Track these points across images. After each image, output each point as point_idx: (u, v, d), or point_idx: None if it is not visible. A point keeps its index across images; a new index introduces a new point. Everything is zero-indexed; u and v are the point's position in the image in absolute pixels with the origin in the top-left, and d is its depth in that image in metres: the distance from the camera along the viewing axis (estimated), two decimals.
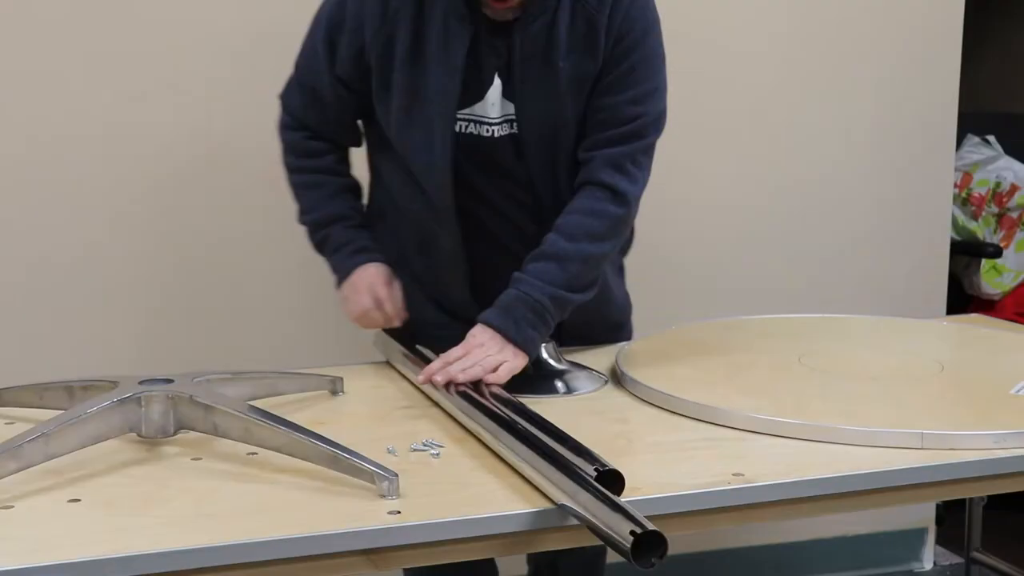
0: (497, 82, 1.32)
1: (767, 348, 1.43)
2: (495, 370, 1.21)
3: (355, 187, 1.48)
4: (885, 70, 2.22)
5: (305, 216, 1.45)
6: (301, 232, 1.47)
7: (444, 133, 1.32)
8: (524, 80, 1.31)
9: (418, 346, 1.35)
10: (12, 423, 1.15)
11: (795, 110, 2.19)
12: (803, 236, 2.22)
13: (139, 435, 1.09)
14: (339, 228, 1.42)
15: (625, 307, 1.55)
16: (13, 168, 1.78)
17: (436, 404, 1.23)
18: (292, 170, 1.46)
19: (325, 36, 1.37)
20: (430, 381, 1.22)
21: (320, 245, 1.44)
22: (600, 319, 1.47)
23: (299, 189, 1.45)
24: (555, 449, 0.98)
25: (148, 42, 1.81)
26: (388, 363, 1.42)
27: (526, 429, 1.04)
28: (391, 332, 1.43)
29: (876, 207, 2.28)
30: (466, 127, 1.33)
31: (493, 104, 1.33)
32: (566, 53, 1.30)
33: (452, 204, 1.35)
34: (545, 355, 1.31)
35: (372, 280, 1.39)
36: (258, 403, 1.14)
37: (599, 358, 1.39)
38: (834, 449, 1.06)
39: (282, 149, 1.47)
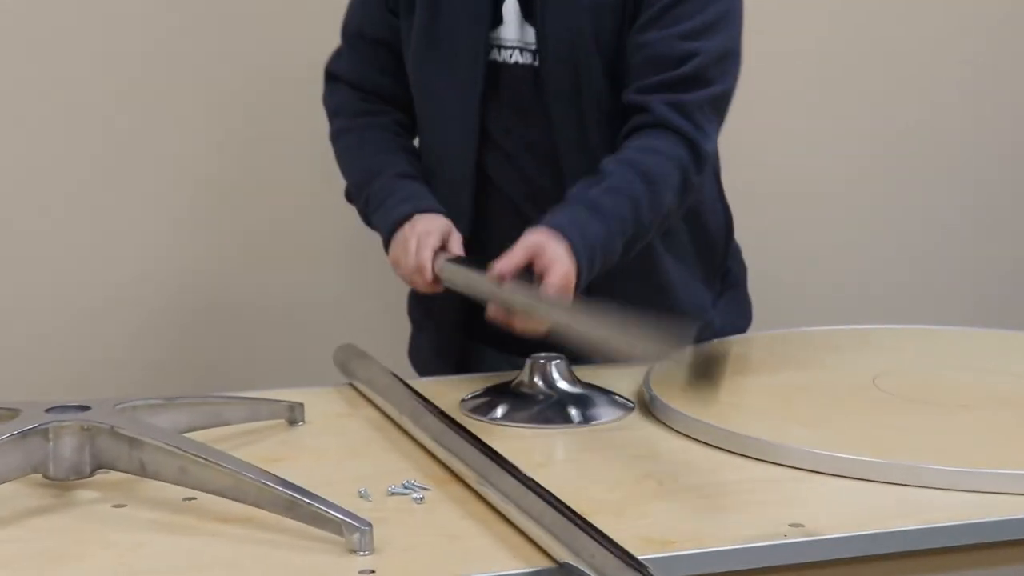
0: (513, 2, 1.32)
1: (833, 367, 1.36)
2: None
3: (415, 152, 1.42)
4: (972, 63, 2.23)
5: (347, 180, 1.40)
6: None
7: (473, 60, 1.31)
8: (547, 2, 1.29)
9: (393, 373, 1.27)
10: None
11: (885, 102, 2.18)
12: (892, 230, 2.21)
13: (46, 476, 1.00)
14: (384, 179, 1.35)
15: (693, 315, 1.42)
16: None
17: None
18: (340, 134, 1.43)
19: None
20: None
21: (364, 204, 1.37)
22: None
23: (344, 153, 1.42)
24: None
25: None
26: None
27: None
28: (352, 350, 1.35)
29: (972, 194, 2.25)
30: (488, 53, 1.32)
31: (511, 26, 1.32)
32: None
33: (473, 149, 1.32)
34: (555, 375, 1.21)
35: (422, 229, 1.27)
36: (198, 435, 1.06)
37: (623, 379, 1.30)
38: (917, 495, 0.98)
39: (331, 122, 1.45)
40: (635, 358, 1.18)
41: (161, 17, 1.85)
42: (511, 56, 1.32)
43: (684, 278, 1.40)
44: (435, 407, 1.12)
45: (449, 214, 1.32)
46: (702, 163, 1.28)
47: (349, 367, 1.32)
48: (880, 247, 2.23)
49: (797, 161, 2.14)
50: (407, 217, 1.29)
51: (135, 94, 1.84)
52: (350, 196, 1.40)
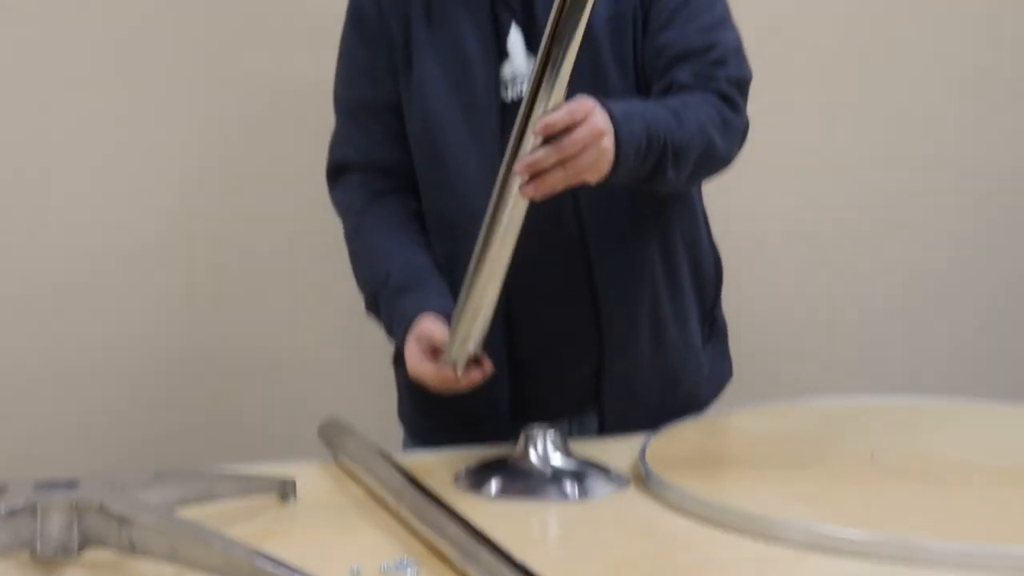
0: (517, 34, 1.31)
1: (833, 441, 1.33)
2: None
3: (428, 244, 1.37)
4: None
5: (361, 281, 1.37)
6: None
7: (487, 99, 1.31)
8: None
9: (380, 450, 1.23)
10: None
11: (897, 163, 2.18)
12: (891, 293, 2.20)
13: (33, 554, 0.98)
14: (398, 277, 1.31)
15: (690, 353, 1.41)
16: None
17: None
18: (353, 235, 1.39)
19: (356, 32, 1.39)
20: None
21: (378, 306, 1.33)
22: (651, 369, 1.36)
23: (358, 256, 1.38)
24: None
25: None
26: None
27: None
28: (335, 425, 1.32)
29: (974, 259, 2.23)
30: (499, 91, 1.31)
31: (518, 59, 1.31)
32: None
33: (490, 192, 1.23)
34: (549, 448, 1.19)
35: (419, 334, 1.24)
36: (188, 512, 1.05)
37: (619, 452, 1.28)
38: (921, 573, 0.95)
39: (344, 222, 1.40)
40: None
41: (141, 72, 1.86)
42: (521, 91, 1.29)
43: (681, 314, 1.39)
44: (420, 485, 1.09)
45: (457, 260, 1.29)
46: (740, 113, 1.28)
47: (335, 442, 1.30)
48: (863, 309, 2.21)
49: (784, 225, 2.14)
50: (403, 339, 1.26)
51: (111, 174, 1.86)
52: (369, 309, 1.37)
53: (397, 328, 1.29)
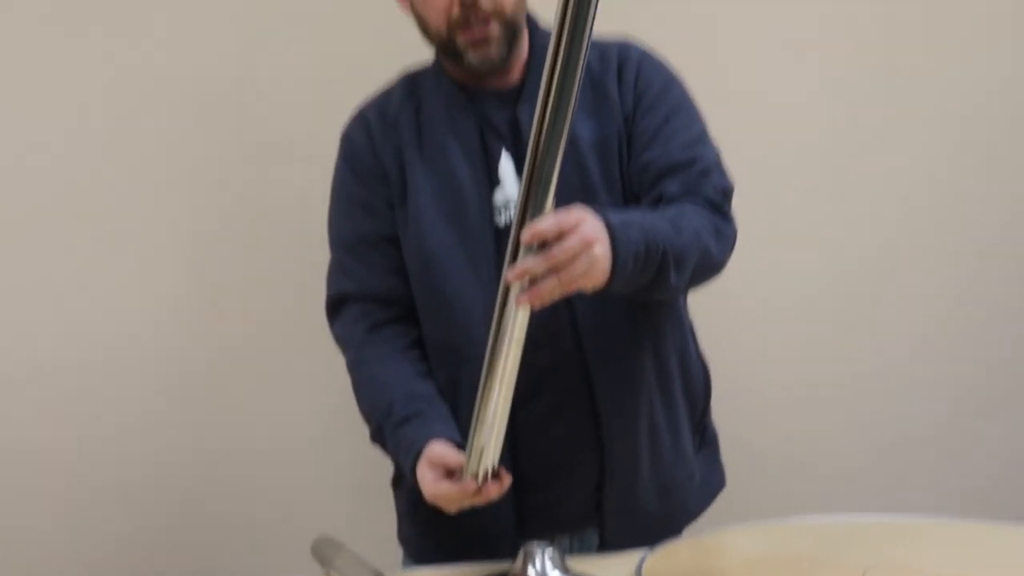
0: (508, 162, 1.34)
1: (824, 559, 1.30)
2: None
3: (428, 374, 1.37)
4: (974, 239, 2.27)
5: (366, 413, 1.36)
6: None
7: (481, 226, 1.33)
8: None
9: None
10: None
11: (880, 289, 2.24)
12: (888, 417, 2.23)
13: None
14: (401, 408, 1.30)
15: (682, 461, 1.41)
16: None
17: None
18: (353, 367, 1.39)
19: (351, 174, 1.41)
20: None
21: (384, 437, 1.33)
22: (643, 476, 1.36)
23: (361, 388, 1.37)
24: None
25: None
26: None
27: None
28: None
29: (969, 395, 2.26)
30: (492, 216, 1.34)
31: (509, 185, 1.34)
32: (582, 118, 1.33)
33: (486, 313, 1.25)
34: (547, 564, 1.19)
35: (432, 458, 1.23)
36: None
37: (616, 569, 1.26)
38: None
39: (344, 355, 1.41)
40: None
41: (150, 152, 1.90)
42: (510, 216, 1.31)
43: (674, 423, 1.40)
44: None
45: (463, 378, 1.30)
46: (729, 222, 1.30)
47: (327, 559, 1.29)
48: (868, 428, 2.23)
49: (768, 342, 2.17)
50: (414, 468, 1.25)
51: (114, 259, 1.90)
52: (372, 434, 1.37)
53: (405, 458, 1.27)
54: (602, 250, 1.10)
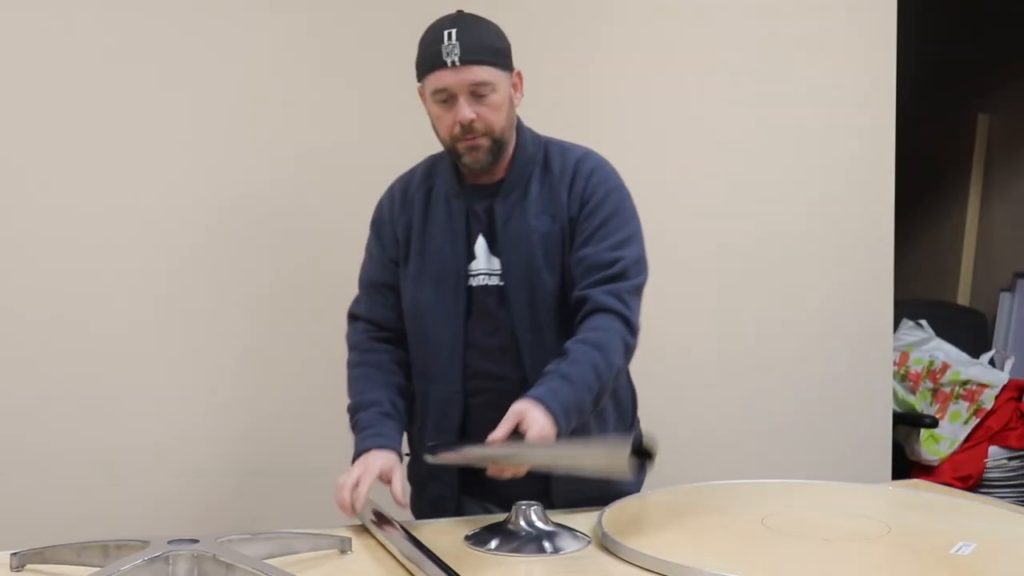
0: (482, 241, 1.63)
1: (735, 511, 1.60)
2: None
3: (402, 386, 1.70)
4: (830, 270, 2.64)
5: (349, 402, 1.67)
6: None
7: (456, 287, 1.63)
8: (506, 238, 1.62)
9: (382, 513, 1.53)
10: None
11: (756, 307, 2.57)
12: (772, 409, 2.55)
13: None
14: (369, 413, 1.62)
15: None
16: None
17: (442, 557, 1.35)
18: (352, 365, 1.71)
19: (375, 235, 1.75)
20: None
21: (352, 427, 1.64)
22: (586, 479, 1.59)
23: (352, 381, 1.69)
24: None
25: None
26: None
27: None
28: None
29: (829, 385, 2.62)
30: (467, 282, 1.65)
31: (481, 259, 1.64)
32: (538, 214, 1.62)
33: (460, 349, 1.61)
34: (533, 517, 1.48)
35: (368, 465, 1.55)
36: (274, 561, 1.29)
37: (583, 520, 1.56)
38: None
39: (348, 354, 1.72)
40: (599, 470, 1.41)
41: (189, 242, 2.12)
42: (482, 280, 1.64)
43: (605, 433, 1.67)
44: (425, 548, 1.36)
45: (445, 401, 1.63)
46: (635, 332, 1.60)
47: (367, 518, 1.56)
48: (764, 420, 2.57)
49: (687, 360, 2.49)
50: (365, 451, 1.57)
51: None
52: (348, 408, 1.68)
53: (361, 442, 1.59)
54: (549, 433, 1.42)
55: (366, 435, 1.60)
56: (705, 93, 2.52)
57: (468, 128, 1.57)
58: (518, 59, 1.64)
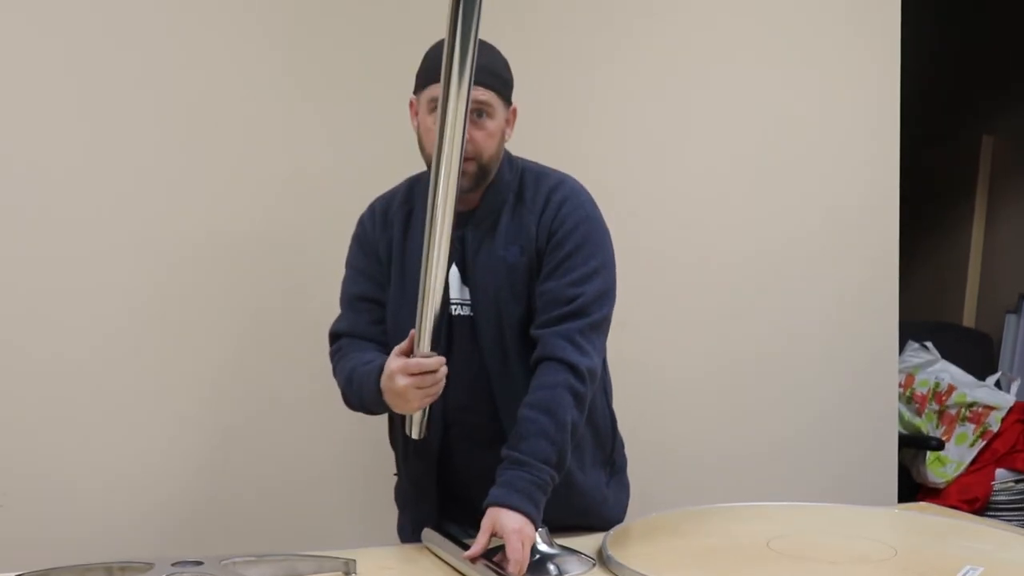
0: (455, 271, 1.61)
1: (739, 533, 1.60)
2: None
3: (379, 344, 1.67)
4: (835, 291, 2.63)
5: (342, 386, 1.64)
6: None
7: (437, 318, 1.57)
8: (476, 268, 1.61)
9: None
10: None
11: (761, 327, 2.57)
12: (776, 431, 2.56)
13: None
14: (363, 368, 1.58)
15: (594, 493, 1.69)
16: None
17: None
18: (335, 364, 1.68)
19: (359, 248, 1.72)
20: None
21: (359, 389, 1.59)
22: (566, 505, 1.61)
23: (338, 373, 1.65)
24: None
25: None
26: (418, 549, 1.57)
27: None
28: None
29: (834, 406, 2.62)
30: (448, 307, 1.62)
31: (454, 289, 1.62)
32: (505, 244, 1.60)
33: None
34: (539, 540, 1.47)
35: (391, 369, 1.51)
36: None
37: (588, 543, 1.56)
38: None
39: (333, 368, 1.68)
40: None
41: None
42: (455, 310, 1.62)
43: (582, 464, 1.66)
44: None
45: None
46: (584, 377, 1.54)
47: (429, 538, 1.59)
48: (769, 441, 2.56)
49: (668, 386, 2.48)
50: (376, 380, 1.53)
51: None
52: (347, 399, 1.64)
53: (370, 376, 1.55)
54: (526, 532, 1.42)
55: (370, 369, 1.56)
56: (709, 113, 2.52)
57: None
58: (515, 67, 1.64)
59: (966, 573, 1.40)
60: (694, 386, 2.50)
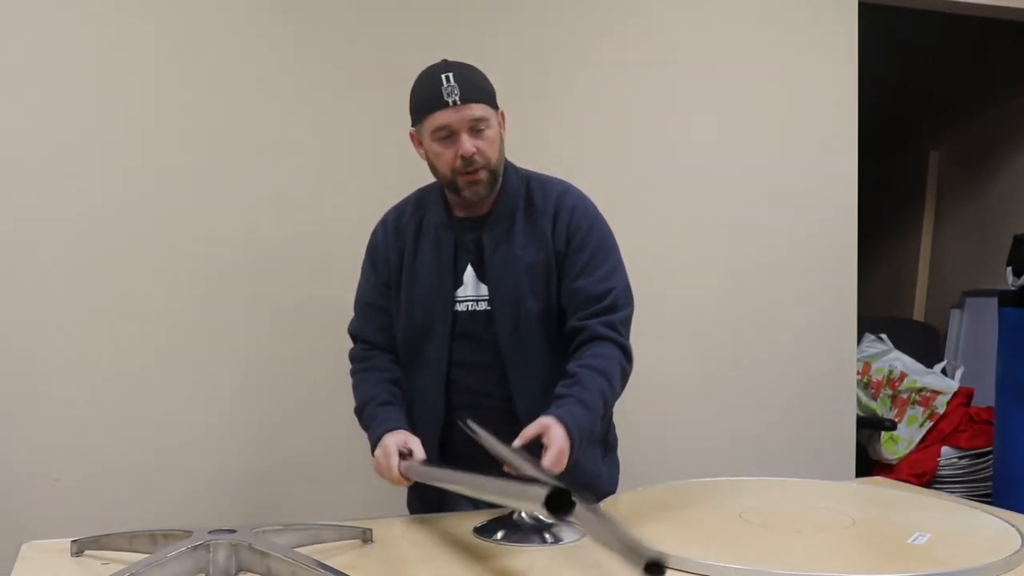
0: (470, 270, 1.60)
1: (716, 506, 1.59)
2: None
3: (396, 378, 1.67)
4: (802, 292, 2.63)
5: (355, 405, 1.66)
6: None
7: (444, 311, 1.60)
8: (493, 267, 1.59)
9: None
10: (107, 563, 1.29)
11: (737, 326, 2.57)
12: (751, 415, 2.56)
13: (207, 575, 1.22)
14: (372, 407, 1.61)
15: (592, 468, 1.67)
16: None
17: (453, 547, 1.36)
18: (352, 375, 1.69)
19: (370, 259, 1.73)
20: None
21: (363, 427, 1.63)
22: (568, 478, 1.57)
23: (353, 388, 1.67)
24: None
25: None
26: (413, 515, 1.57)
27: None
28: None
29: (800, 393, 2.62)
30: (454, 307, 1.61)
31: (469, 287, 1.61)
32: (523, 245, 1.59)
33: (445, 367, 1.58)
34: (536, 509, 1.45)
35: (386, 448, 1.54)
36: (304, 550, 1.28)
37: None
38: None
39: (351, 374, 1.70)
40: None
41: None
42: (469, 306, 1.61)
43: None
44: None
45: (427, 410, 1.60)
46: (631, 360, 1.58)
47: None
48: (741, 420, 2.56)
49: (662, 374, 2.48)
50: (380, 438, 1.55)
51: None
52: (355, 411, 1.67)
53: (377, 428, 1.57)
54: (565, 453, 1.39)
55: (374, 426, 1.58)
56: (679, 129, 2.50)
57: (470, 161, 1.54)
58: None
59: (915, 539, 1.40)
60: (680, 377, 2.50)
